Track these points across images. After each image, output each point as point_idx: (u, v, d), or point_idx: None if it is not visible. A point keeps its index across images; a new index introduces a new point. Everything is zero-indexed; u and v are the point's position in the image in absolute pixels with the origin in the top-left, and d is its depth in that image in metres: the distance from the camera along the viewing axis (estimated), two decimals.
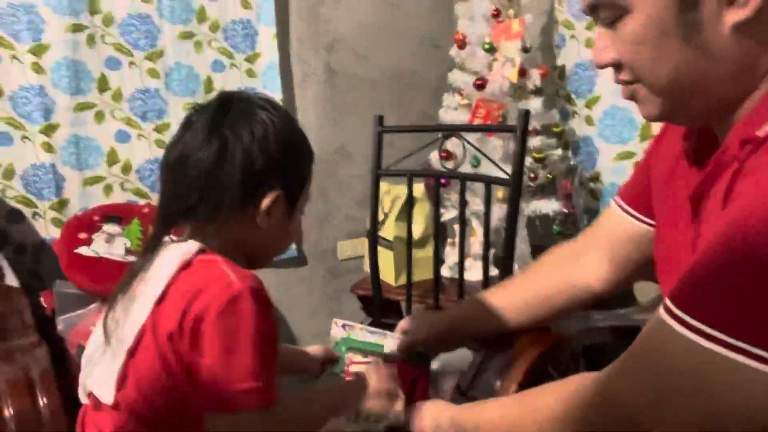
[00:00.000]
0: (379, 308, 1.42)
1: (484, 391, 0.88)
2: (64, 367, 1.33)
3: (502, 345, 0.94)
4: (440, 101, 1.80)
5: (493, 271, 1.57)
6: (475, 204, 1.65)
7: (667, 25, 0.53)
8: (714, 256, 0.47)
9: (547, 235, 1.65)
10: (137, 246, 1.57)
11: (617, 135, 1.76)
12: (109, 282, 1.53)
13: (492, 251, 1.61)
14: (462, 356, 0.95)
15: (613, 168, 1.77)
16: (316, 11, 1.92)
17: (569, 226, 1.63)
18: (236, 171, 0.66)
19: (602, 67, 0.62)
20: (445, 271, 1.69)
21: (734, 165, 0.52)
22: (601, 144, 1.79)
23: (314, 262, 2.01)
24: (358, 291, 1.71)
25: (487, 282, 1.22)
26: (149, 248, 0.69)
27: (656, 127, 1.75)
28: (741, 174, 0.50)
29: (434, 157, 1.68)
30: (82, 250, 1.51)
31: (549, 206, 1.61)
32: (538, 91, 1.68)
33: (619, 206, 0.83)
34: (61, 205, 1.64)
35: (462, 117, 1.68)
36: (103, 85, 1.66)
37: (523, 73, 1.64)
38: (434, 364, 0.98)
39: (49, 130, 1.60)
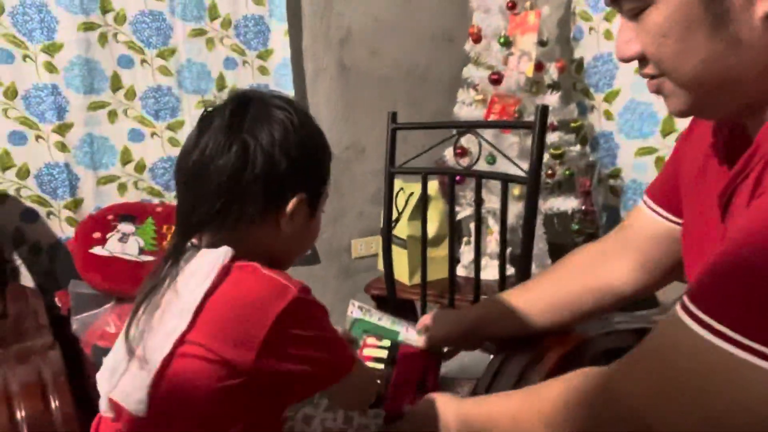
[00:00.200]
0: (394, 308, 1.40)
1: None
2: (79, 368, 1.34)
3: (520, 349, 0.91)
4: (455, 97, 1.77)
5: (510, 270, 1.54)
6: (491, 202, 1.62)
7: (693, 17, 0.51)
8: (735, 253, 0.45)
9: (565, 234, 1.62)
10: (151, 246, 1.57)
11: (637, 130, 1.71)
12: (124, 282, 1.54)
13: (508, 250, 1.58)
14: (478, 361, 0.92)
15: (634, 164, 1.73)
16: (329, 6, 1.89)
17: (588, 224, 1.60)
18: (259, 177, 0.64)
19: (626, 60, 0.59)
20: (461, 271, 1.66)
21: (764, 161, 0.50)
22: (620, 139, 1.75)
23: (327, 261, 1.99)
24: (372, 291, 1.69)
25: (503, 281, 1.20)
26: (172, 257, 0.66)
27: (678, 122, 1.71)
28: None
29: (449, 154, 1.65)
30: (97, 250, 1.51)
31: (567, 204, 1.58)
32: (555, 86, 1.65)
33: (648, 206, 0.80)
34: (76, 204, 1.64)
35: (477, 113, 1.65)
36: (115, 83, 1.66)
37: (539, 67, 1.60)
38: (450, 369, 0.96)
39: (63, 129, 1.61)
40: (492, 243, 1.66)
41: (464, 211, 1.64)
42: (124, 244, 1.54)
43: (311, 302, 0.64)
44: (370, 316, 0.93)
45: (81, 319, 1.44)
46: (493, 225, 1.68)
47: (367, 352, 0.91)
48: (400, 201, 1.68)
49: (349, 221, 2.02)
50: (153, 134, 1.72)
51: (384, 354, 0.91)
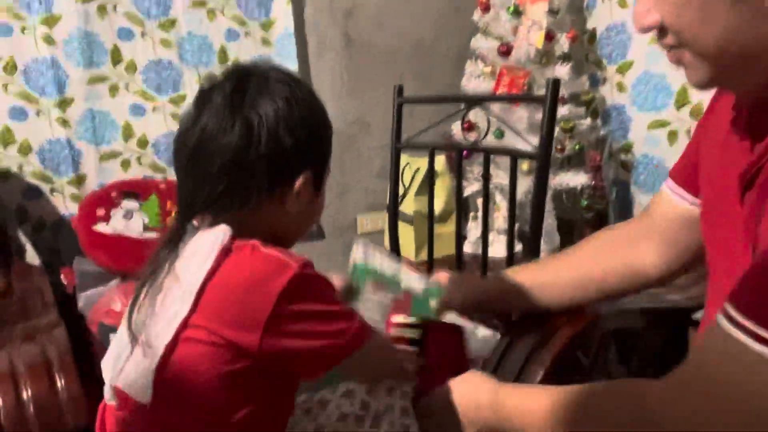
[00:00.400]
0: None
1: (509, 376, 0.85)
2: (85, 345, 1.34)
3: (527, 330, 0.90)
4: (462, 70, 1.72)
5: (517, 247, 1.52)
6: (499, 177, 1.59)
7: None
8: None
9: (574, 209, 1.59)
10: (156, 222, 1.56)
11: (651, 103, 1.67)
12: (129, 259, 1.53)
13: (516, 226, 1.56)
14: (485, 342, 0.91)
15: (646, 138, 1.69)
16: None
17: (598, 200, 1.57)
18: (264, 156, 0.62)
19: (644, 31, 0.56)
20: (468, 247, 1.65)
21: None
22: (633, 112, 1.70)
23: (332, 237, 1.98)
24: None
25: (511, 258, 1.18)
26: (172, 240, 0.64)
27: (693, 95, 1.66)
28: None
29: (456, 128, 1.62)
30: (101, 227, 1.50)
31: (577, 179, 1.55)
32: (566, 57, 1.60)
33: (671, 189, 0.78)
34: (79, 180, 1.63)
35: (485, 86, 1.61)
36: (116, 56, 1.63)
37: (550, 37, 1.55)
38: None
39: (64, 104, 1.58)
40: (499, 219, 1.64)
41: (471, 187, 1.62)
42: (129, 221, 1.53)
43: (313, 276, 0.62)
44: (373, 261, 0.88)
45: (87, 297, 1.44)
46: (501, 201, 1.65)
47: (395, 332, 0.89)
48: (407, 176, 1.66)
49: (355, 197, 2.00)
50: (155, 109, 1.69)
51: (415, 334, 0.89)
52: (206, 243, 0.62)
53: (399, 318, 0.88)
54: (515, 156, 1.08)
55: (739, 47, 0.50)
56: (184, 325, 0.60)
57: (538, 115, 1.51)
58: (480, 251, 1.26)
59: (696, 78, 0.56)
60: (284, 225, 0.67)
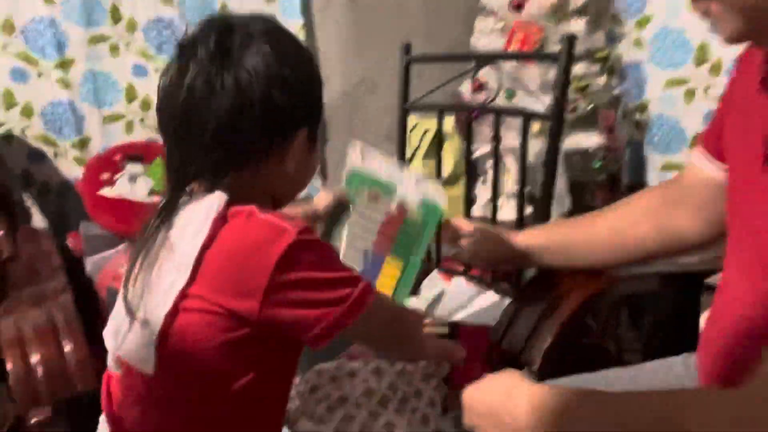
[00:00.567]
0: None
1: (517, 343, 0.84)
2: (93, 310, 1.35)
3: (538, 293, 0.88)
4: (472, 26, 1.66)
5: (527, 210, 1.49)
6: (509, 139, 1.55)
7: None
8: None
9: (586, 171, 1.55)
10: (161, 186, 1.53)
11: (669, 59, 1.60)
12: (135, 224, 1.53)
13: (527, 189, 1.52)
14: (494, 307, 0.90)
15: (663, 96, 1.63)
16: None
17: (611, 162, 1.53)
18: (260, 116, 0.59)
19: None
20: (476, 211, 1.62)
21: None
22: (650, 69, 1.64)
23: None
24: None
25: (521, 221, 1.16)
26: (165, 209, 0.62)
27: (714, 51, 1.59)
28: None
29: (466, 87, 1.57)
30: (106, 192, 1.49)
31: (589, 140, 1.50)
32: (581, 12, 1.53)
33: (701, 157, 0.75)
34: (83, 143, 1.61)
35: (497, 43, 1.55)
36: (115, 15, 1.58)
37: None
38: (465, 315, 0.94)
39: (65, 65, 1.55)
40: (509, 182, 1.60)
41: (481, 149, 1.58)
42: (133, 185, 1.52)
43: (312, 242, 0.60)
44: (368, 165, 0.83)
45: (94, 261, 1.44)
46: (511, 163, 1.61)
47: (428, 330, 0.88)
48: (414, 139, 1.62)
49: None
50: (157, 69, 1.65)
51: (445, 331, 0.88)
52: (201, 211, 0.60)
53: (428, 318, 0.87)
54: (527, 117, 1.05)
55: None
56: (183, 295, 0.59)
57: (551, 74, 1.45)
58: (489, 215, 1.24)
59: (726, 32, 0.52)
60: (280, 186, 0.65)
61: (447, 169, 1.59)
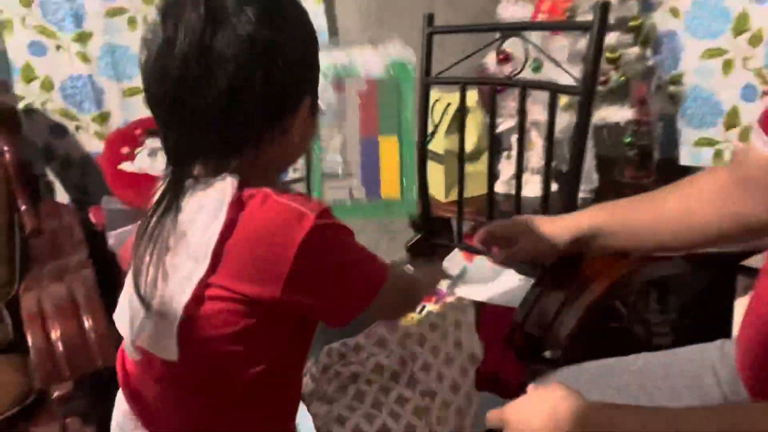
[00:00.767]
0: (428, 224, 1.36)
1: (541, 326, 0.81)
2: (115, 284, 1.36)
3: (564, 275, 0.85)
4: None
5: (553, 187, 1.45)
6: (534, 112, 1.49)
7: None
8: None
9: (616, 146, 1.49)
10: None
11: (706, 28, 1.52)
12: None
13: (553, 164, 1.48)
14: (521, 288, 0.87)
15: (698, 68, 1.55)
16: None
17: (642, 136, 1.46)
18: (263, 89, 0.55)
19: None
20: (499, 187, 1.58)
21: None
22: (686, 39, 1.56)
23: None
24: None
25: (547, 198, 1.12)
26: (171, 194, 0.58)
27: (754, 21, 1.50)
28: None
29: (490, 59, 1.51)
30: (126, 166, 1.49)
31: (620, 114, 1.44)
32: None
33: (762, 140, 0.69)
34: (103, 118, 1.60)
35: (523, 12, 1.48)
36: None
37: None
38: (492, 296, 0.92)
39: (83, 38, 1.53)
40: (534, 157, 1.55)
41: (506, 123, 1.53)
42: (154, 159, 1.51)
43: (330, 225, 0.58)
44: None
45: (116, 235, 1.44)
46: (536, 138, 1.56)
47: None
48: (437, 113, 1.58)
49: None
50: None
51: None
52: (213, 197, 0.57)
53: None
54: (555, 91, 1.00)
55: None
56: (202, 284, 0.57)
57: (581, 44, 1.39)
58: (512, 191, 1.21)
59: None
60: (285, 156, 0.63)
61: (470, 144, 1.54)
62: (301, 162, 0.91)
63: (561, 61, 1.33)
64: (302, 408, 0.73)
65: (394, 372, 0.72)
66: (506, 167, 1.59)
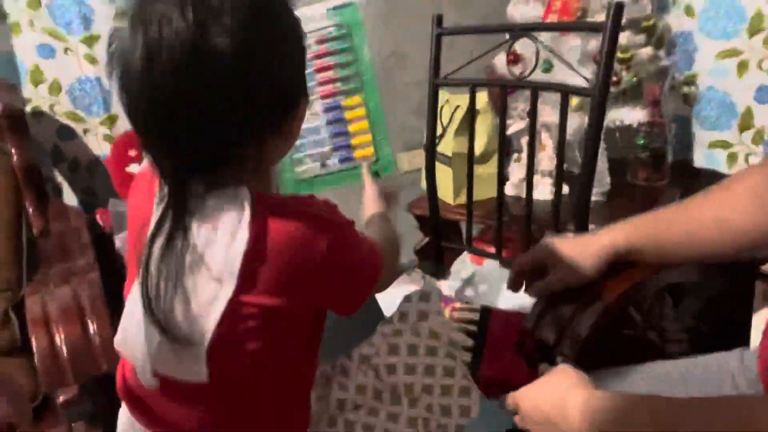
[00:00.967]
0: (437, 228, 1.34)
1: (552, 332, 0.79)
2: (121, 286, 1.35)
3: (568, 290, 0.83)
4: None
5: (564, 189, 1.43)
6: (545, 114, 1.48)
7: None
8: None
9: (628, 148, 1.47)
10: None
11: (721, 29, 1.49)
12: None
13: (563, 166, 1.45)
14: (523, 294, 0.85)
15: (713, 68, 1.52)
16: None
17: (655, 138, 1.44)
18: (266, 93, 0.53)
19: None
20: (509, 189, 1.56)
21: None
22: (701, 39, 1.53)
23: None
24: (415, 210, 1.62)
25: (558, 200, 1.10)
26: (175, 217, 0.54)
27: None
28: None
29: (500, 60, 1.49)
30: (133, 169, 1.48)
31: (633, 115, 1.41)
32: None
33: None
34: (111, 120, 1.60)
35: (534, 13, 1.46)
36: None
37: None
38: (493, 301, 0.90)
39: (91, 41, 1.53)
40: (544, 159, 1.53)
41: (515, 125, 1.51)
42: None
43: (348, 232, 0.61)
44: None
45: (123, 238, 1.44)
46: (546, 139, 1.54)
47: (458, 315, 0.85)
48: (445, 114, 1.56)
49: (391, 135, 1.90)
50: None
51: (475, 316, 0.85)
52: (229, 214, 0.55)
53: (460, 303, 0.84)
54: (567, 93, 0.98)
55: None
56: (231, 304, 0.55)
57: (593, 45, 1.37)
58: (522, 193, 1.19)
59: None
60: (279, 155, 0.61)
61: (479, 146, 1.52)
62: None
63: (572, 61, 1.31)
64: None
65: (376, 390, 0.70)
66: (515, 169, 1.57)
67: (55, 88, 1.55)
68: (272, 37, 0.53)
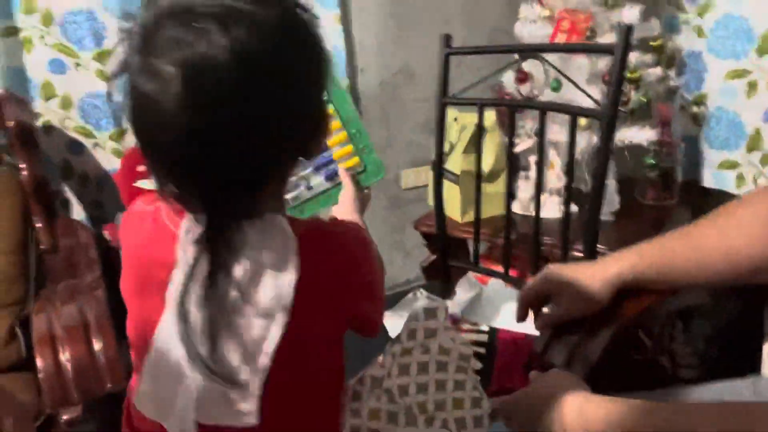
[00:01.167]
0: (444, 246, 1.34)
1: (562, 355, 0.78)
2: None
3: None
4: (516, 13, 1.58)
5: (572, 209, 1.42)
6: (553, 132, 1.47)
7: None
8: None
9: (637, 168, 1.46)
10: None
11: (730, 49, 1.49)
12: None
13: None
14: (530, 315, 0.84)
15: (722, 88, 1.52)
16: None
17: (665, 158, 1.43)
18: (300, 120, 0.53)
19: None
20: (516, 207, 1.56)
21: None
22: (710, 60, 1.53)
23: (375, 191, 1.91)
24: (421, 228, 1.62)
25: (567, 219, 1.09)
26: (214, 251, 0.51)
27: None
28: None
29: (508, 78, 1.50)
30: (142, 184, 1.48)
31: (642, 135, 1.41)
32: None
33: None
34: (120, 135, 1.61)
35: (542, 32, 1.47)
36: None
37: None
38: (500, 323, 0.89)
39: (102, 56, 1.55)
40: (552, 178, 1.53)
41: (523, 144, 1.51)
42: None
43: (372, 252, 0.64)
44: None
45: None
46: (554, 158, 1.54)
47: (465, 337, 0.84)
48: (453, 133, 1.56)
49: (398, 151, 1.92)
50: None
51: (484, 338, 0.84)
52: (272, 247, 0.53)
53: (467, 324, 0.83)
54: (575, 114, 0.98)
55: None
56: (284, 337, 0.55)
57: (601, 65, 1.37)
58: (529, 212, 1.18)
59: None
60: (293, 170, 0.61)
61: (487, 164, 1.52)
62: None
63: (580, 80, 1.31)
64: None
65: (390, 413, 0.69)
66: (523, 188, 1.56)
67: (66, 104, 1.56)
68: (305, 64, 0.53)
